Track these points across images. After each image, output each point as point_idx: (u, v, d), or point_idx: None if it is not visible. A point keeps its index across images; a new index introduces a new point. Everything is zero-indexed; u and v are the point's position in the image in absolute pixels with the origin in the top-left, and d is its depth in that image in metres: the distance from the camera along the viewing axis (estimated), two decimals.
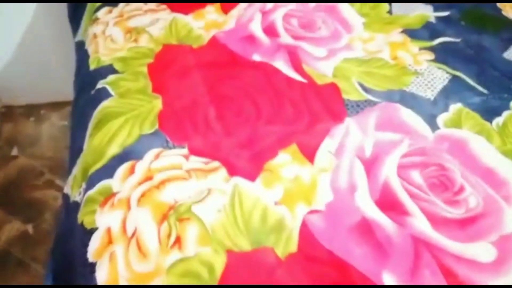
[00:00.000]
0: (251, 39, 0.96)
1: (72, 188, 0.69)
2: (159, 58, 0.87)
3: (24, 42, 1.48)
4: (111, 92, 0.77)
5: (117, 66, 0.84)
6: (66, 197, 0.71)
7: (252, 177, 0.63)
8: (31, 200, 1.25)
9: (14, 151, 1.40)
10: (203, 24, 1.00)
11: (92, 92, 0.79)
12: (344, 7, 1.11)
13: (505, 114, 0.82)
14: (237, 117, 0.75)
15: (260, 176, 0.64)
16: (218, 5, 1.06)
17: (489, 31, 1.08)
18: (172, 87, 0.80)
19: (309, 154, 0.69)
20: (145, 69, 0.84)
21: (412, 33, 1.03)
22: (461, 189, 0.66)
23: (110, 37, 0.92)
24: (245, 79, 0.84)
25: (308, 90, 0.84)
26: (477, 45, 1.02)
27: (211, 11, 1.05)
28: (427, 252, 0.58)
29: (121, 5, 1.03)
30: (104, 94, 0.76)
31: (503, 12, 1.18)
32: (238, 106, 0.78)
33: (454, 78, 0.90)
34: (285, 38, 0.97)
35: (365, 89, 0.85)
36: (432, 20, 1.10)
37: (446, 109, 0.82)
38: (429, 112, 0.81)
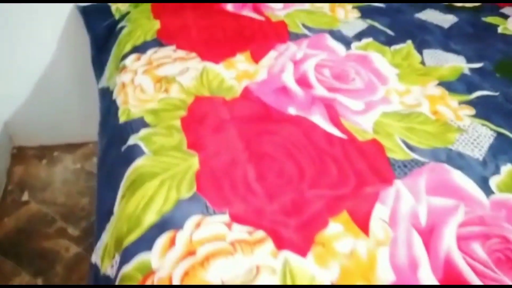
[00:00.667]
0: (284, 91, 0.93)
1: (103, 259, 0.62)
2: (192, 110, 0.83)
3: (39, 82, 1.45)
4: (144, 149, 0.72)
5: (148, 119, 0.80)
6: (94, 268, 0.65)
7: (303, 252, 0.58)
8: (42, 250, 1.18)
9: (25, 196, 1.35)
10: (235, 75, 0.96)
11: (123, 148, 0.74)
12: (375, 57, 1.09)
13: None
14: (279, 178, 0.70)
15: (311, 250, 0.58)
16: (248, 54, 1.04)
17: None
18: (208, 143, 0.75)
19: (362, 223, 0.64)
20: (178, 123, 0.79)
21: (448, 86, 1.00)
22: None
23: (139, 86, 0.89)
24: (283, 135, 0.79)
25: (350, 147, 0.79)
26: None
27: (242, 60, 1.02)
28: None
29: (149, 52, 1.00)
30: (136, 152, 0.72)
31: None
32: (279, 165, 0.73)
33: (499, 135, 0.86)
34: (319, 90, 0.93)
35: (410, 147, 0.81)
36: (467, 72, 1.07)
37: (497, 171, 0.77)
38: (480, 174, 0.76)
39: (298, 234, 0.60)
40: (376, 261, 0.58)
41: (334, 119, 0.86)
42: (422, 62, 1.09)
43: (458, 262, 0.60)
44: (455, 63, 1.10)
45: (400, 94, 0.96)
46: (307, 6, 1.32)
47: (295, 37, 1.14)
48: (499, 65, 1.11)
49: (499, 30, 1.34)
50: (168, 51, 1.01)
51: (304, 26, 1.20)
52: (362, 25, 1.25)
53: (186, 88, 0.89)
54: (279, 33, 1.15)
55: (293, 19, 1.23)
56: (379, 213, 0.66)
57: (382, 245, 0.60)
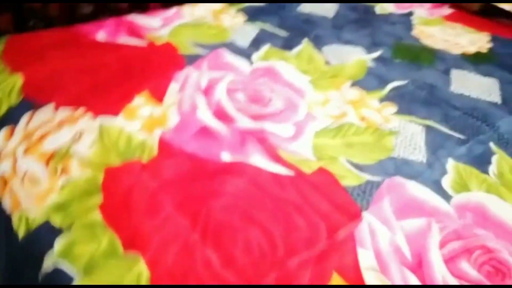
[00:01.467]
0: (206, 132, 0.80)
1: None
2: (108, 191, 0.66)
3: None
4: (70, 271, 0.54)
5: (56, 221, 0.61)
6: None
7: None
8: None
9: None
10: (141, 125, 0.80)
11: (40, 278, 0.55)
12: (281, 66, 1.02)
13: (494, 160, 0.80)
14: (249, 256, 0.59)
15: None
16: (147, 93, 0.88)
17: (424, 65, 1.08)
18: (148, 233, 0.60)
19: (356, 280, 0.57)
20: (98, 215, 0.62)
21: (362, 84, 0.98)
22: None
23: (27, 176, 0.68)
24: (230, 192, 0.68)
25: (302, 185, 0.71)
26: (424, 83, 1.01)
27: (142, 103, 0.86)
28: None
29: (23, 121, 0.78)
30: (62, 279, 0.53)
31: (422, 41, 1.21)
32: (242, 237, 0.61)
33: (428, 129, 0.86)
34: (243, 121, 0.83)
35: (358, 167, 0.76)
36: (371, 64, 1.07)
37: (444, 170, 0.77)
38: (431, 178, 0.75)
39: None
40: None
41: (273, 154, 0.76)
42: (327, 62, 1.06)
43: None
44: (356, 57, 1.09)
45: (322, 105, 0.91)
46: (187, 18, 1.19)
47: (191, 59, 1.01)
48: (394, 50, 1.14)
49: (377, 11, 1.38)
50: (47, 113, 0.80)
51: (195, 44, 1.07)
52: (253, 30, 1.17)
53: (88, 161, 0.71)
54: (172, 59, 1.01)
55: (179, 38, 1.09)
56: (366, 262, 0.59)
57: None
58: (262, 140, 0.79)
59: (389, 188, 0.72)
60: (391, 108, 0.91)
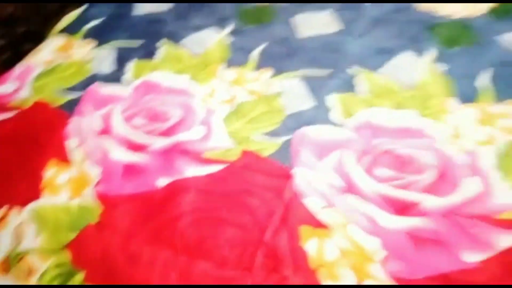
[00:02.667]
0: (132, 169, 0.85)
1: None
2: (85, 265, 0.69)
3: None
4: None
5: None
6: None
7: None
8: None
9: None
10: (68, 193, 0.82)
11: None
12: (156, 76, 1.07)
13: (360, 80, 0.99)
14: (235, 250, 0.69)
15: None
16: (53, 161, 0.87)
17: (270, 21, 1.22)
18: (145, 279, 0.66)
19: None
20: None
21: (233, 62, 1.08)
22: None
23: None
24: (188, 210, 0.76)
25: (237, 171, 0.82)
26: (279, 39, 1.14)
27: (55, 173, 0.86)
28: None
29: None
30: None
31: None
32: (222, 238, 0.71)
33: (302, 77, 1.02)
34: (157, 143, 0.89)
35: (270, 135, 0.88)
36: (229, 40, 1.17)
37: (331, 105, 0.93)
38: (325, 116, 0.91)
39: None
40: None
41: (201, 159, 0.85)
42: (193, 54, 1.13)
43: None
44: (215, 38, 1.17)
45: (211, 96, 1.00)
46: (39, 68, 1.14)
47: (68, 108, 1.00)
48: (241, 18, 1.25)
49: None
50: None
51: (62, 91, 1.05)
52: (109, 53, 1.17)
53: (44, 250, 0.72)
54: (51, 117, 0.99)
55: (44, 93, 1.06)
56: (315, 204, 0.74)
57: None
58: (185, 152, 0.86)
59: (299, 141, 0.85)
60: (267, 73, 1.04)
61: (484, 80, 0.93)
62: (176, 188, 0.79)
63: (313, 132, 0.87)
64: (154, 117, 0.95)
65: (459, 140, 0.82)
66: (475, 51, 1.02)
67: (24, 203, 0.79)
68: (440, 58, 1.00)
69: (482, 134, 0.82)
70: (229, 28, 1.21)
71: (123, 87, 1.05)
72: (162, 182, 0.81)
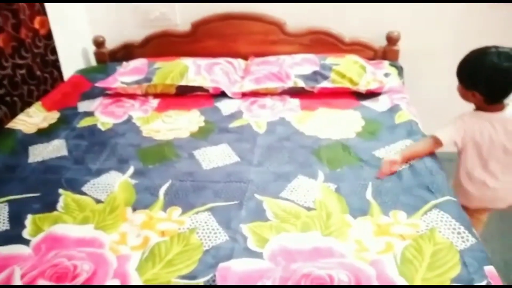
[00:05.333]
0: None
1: None
2: None
3: None
4: None
5: None
6: None
7: None
8: None
9: None
10: None
11: None
12: (60, 229, 1.02)
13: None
14: None
15: None
16: None
17: (173, 159, 1.27)
18: None
19: None
20: None
21: (138, 205, 1.09)
22: None
23: None
24: None
25: None
26: (183, 174, 1.19)
27: None
28: None
29: None
30: None
31: (155, 138, 1.40)
32: None
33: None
34: None
35: (189, 278, 0.87)
36: (133, 182, 1.18)
37: (244, 237, 0.97)
38: (242, 248, 0.94)
39: None
40: None
41: None
42: (97, 200, 1.11)
43: None
44: (118, 181, 1.17)
45: (123, 243, 0.97)
46: None
47: None
48: (142, 159, 1.28)
49: (101, 127, 1.48)
50: None
51: None
52: (3, 209, 1.09)
53: None
54: None
55: None
56: None
57: None
58: None
59: (223, 278, 0.86)
60: (176, 210, 1.06)
61: (369, 195, 1.08)
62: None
63: (235, 267, 0.88)
64: (61, 276, 0.88)
65: (363, 252, 0.91)
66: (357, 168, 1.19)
67: None
68: (328, 179, 1.14)
69: (380, 243, 0.93)
70: (131, 170, 1.22)
71: (22, 245, 0.97)
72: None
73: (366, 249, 0.92)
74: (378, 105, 1.55)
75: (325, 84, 1.64)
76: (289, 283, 0.84)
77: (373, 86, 1.61)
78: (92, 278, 0.87)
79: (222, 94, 1.68)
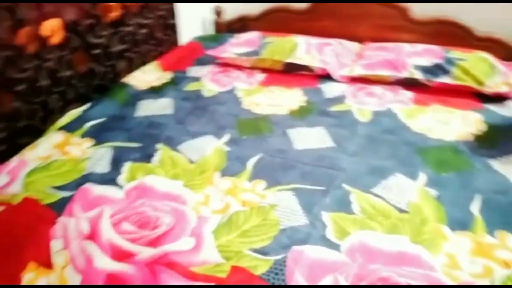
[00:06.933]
0: (115, 279, 0.80)
1: None
2: None
3: None
4: None
5: None
6: None
7: None
8: None
9: None
10: None
11: None
12: (151, 180, 1.07)
13: (354, 198, 0.99)
14: None
15: None
16: (32, 264, 0.83)
17: (266, 133, 1.26)
18: None
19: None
20: None
21: (227, 171, 1.09)
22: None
23: None
24: None
25: None
26: (274, 151, 1.17)
27: (33, 277, 0.81)
28: None
29: None
30: None
31: (254, 111, 1.40)
32: None
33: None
34: (144, 252, 0.85)
35: (260, 252, 0.85)
36: (226, 149, 1.19)
37: (324, 224, 0.92)
38: (319, 236, 0.89)
39: None
40: None
41: (187, 274, 0.81)
42: (190, 160, 1.14)
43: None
44: (212, 146, 1.20)
45: (205, 204, 0.99)
46: (33, 163, 1.13)
47: (58, 207, 0.97)
48: (238, 128, 1.29)
49: (205, 93, 1.53)
50: None
51: (54, 188, 1.04)
52: (106, 152, 1.18)
53: None
54: (39, 215, 0.96)
55: (35, 189, 1.04)
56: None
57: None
58: (172, 265, 0.82)
59: (294, 261, 0.83)
60: (261, 184, 1.04)
61: (474, 208, 0.95)
62: None
63: (308, 253, 0.84)
64: (143, 224, 0.92)
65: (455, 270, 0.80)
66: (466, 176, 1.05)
67: None
68: (430, 183, 1.03)
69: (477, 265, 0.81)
70: (227, 137, 1.24)
71: (116, 189, 1.04)
72: None
73: (458, 267, 0.81)
74: (505, 110, 1.36)
75: (445, 79, 1.48)
76: (364, 283, 0.78)
77: (502, 90, 1.41)
78: (170, 231, 0.90)
79: (327, 76, 1.62)
